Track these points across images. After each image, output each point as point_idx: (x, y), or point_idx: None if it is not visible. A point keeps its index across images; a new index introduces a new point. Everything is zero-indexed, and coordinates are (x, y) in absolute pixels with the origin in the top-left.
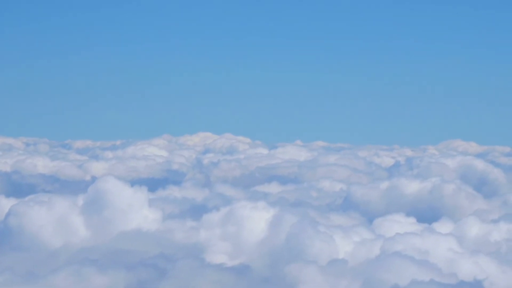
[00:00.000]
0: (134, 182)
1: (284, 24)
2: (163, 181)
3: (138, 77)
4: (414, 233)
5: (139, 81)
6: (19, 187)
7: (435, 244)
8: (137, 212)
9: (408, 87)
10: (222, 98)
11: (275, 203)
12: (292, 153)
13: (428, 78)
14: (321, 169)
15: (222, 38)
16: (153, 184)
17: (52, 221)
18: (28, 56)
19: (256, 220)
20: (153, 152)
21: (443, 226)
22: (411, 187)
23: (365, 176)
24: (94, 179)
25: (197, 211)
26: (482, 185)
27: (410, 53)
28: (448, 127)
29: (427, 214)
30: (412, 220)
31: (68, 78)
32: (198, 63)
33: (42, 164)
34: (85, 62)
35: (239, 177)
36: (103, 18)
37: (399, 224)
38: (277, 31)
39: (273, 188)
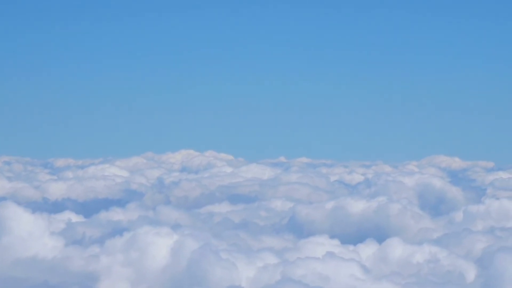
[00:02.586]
0: (90, 203)
1: (268, 40)
2: (116, 202)
3: (124, 94)
4: (316, 258)
5: (124, 99)
6: None
7: (336, 270)
8: (36, 240)
9: (393, 102)
10: (207, 115)
11: (219, 224)
12: (256, 171)
13: (412, 94)
14: (282, 187)
15: (208, 55)
16: (105, 204)
17: None
18: (15, 72)
19: (158, 246)
20: (113, 172)
21: (367, 248)
22: (357, 206)
23: (325, 195)
24: (45, 200)
25: (114, 235)
26: (439, 203)
27: (395, 69)
28: (434, 142)
29: (368, 234)
30: (336, 242)
31: (52, 95)
32: (184, 80)
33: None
34: (70, 79)
35: (198, 196)
36: (82, 34)
37: (322, 246)
38: (263, 47)
39: (223, 208)
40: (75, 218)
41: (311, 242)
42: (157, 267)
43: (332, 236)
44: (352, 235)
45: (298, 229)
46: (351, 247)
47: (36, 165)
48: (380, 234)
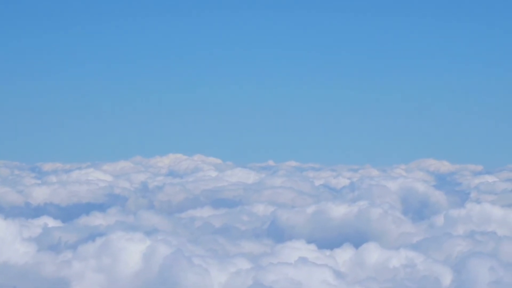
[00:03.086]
0: (72, 207)
1: (258, 44)
2: (98, 207)
3: (114, 98)
4: (288, 263)
5: (115, 103)
6: None
7: (309, 275)
8: (8, 245)
9: (383, 106)
10: (198, 119)
11: (199, 228)
12: (240, 175)
13: (402, 98)
14: (267, 192)
15: (199, 59)
16: (87, 209)
17: None
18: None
19: (130, 252)
20: (97, 177)
21: (344, 252)
22: (338, 211)
23: (309, 199)
24: (27, 204)
25: (89, 241)
26: (422, 207)
27: (385, 73)
28: (423, 146)
29: (349, 239)
30: (312, 247)
31: (42, 99)
32: (175, 84)
33: None
34: (60, 83)
35: (182, 201)
36: (71, 38)
37: (298, 251)
38: (253, 51)
39: (205, 213)
40: (52, 223)
41: (288, 247)
42: (129, 273)
43: (312, 241)
44: (333, 239)
45: (279, 234)
46: (328, 252)
47: (24, 169)
48: (360, 239)
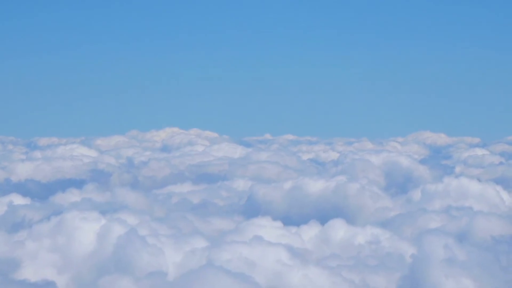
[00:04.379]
0: (54, 184)
1: (256, 18)
2: (80, 183)
3: (113, 72)
4: (243, 242)
5: (113, 77)
6: None
7: (263, 255)
8: None
9: (379, 79)
10: (194, 93)
11: (176, 204)
12: (227, 150)
13: (400, 70)
14: (252, 166)
15: (194, 33)
16: (69, 185)
17: None
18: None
19: (84, 231)
20: (82, 152)
21: (310, 229)
22: (315, 186)
23: (294, 173)
24: (7, 181)
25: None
26: (406, 182)
27: (381, 45)
28: (422, 118)
29: (325, 214)
30: (278, 224)
31: (40, 75)
32: (173, 57)
33: None
34: (56, 58)
35: (167, 176)
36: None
37: (264, 229)
38: (249, 25)
39: (185, 188)
40: (20, 200)
41: (253, 224)
42: (82, 253)
43: (287, 217)
44: (308, 215)
45: (255, 210)
46: (294, 229)
47: (19, 144)
48: (336, 215)
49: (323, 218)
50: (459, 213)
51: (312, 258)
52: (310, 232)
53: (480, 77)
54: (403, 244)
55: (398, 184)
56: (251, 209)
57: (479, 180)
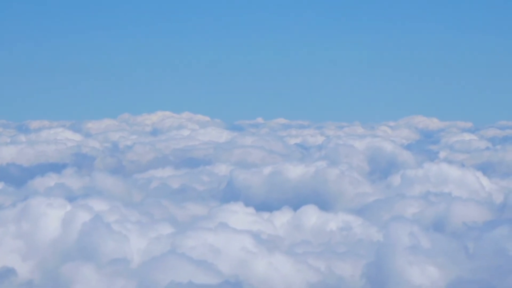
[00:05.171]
0: (36, 168)
1: (248, 1)
2: (62, 167)
3: (104, 56)
4: (208, 228)
5: (103, 60)
6: None
7: (228, 242)
8: None
9: (373, 63)
10: (186, 76)
11: (155, 189)
12: (213, 134)
13: (390, 54)
14: (236, 151)
15: (188, 17)
16: (50, 170)
17: None
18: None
19: (49, 218)
20: (66, 136)
21: (283, 216)
22: (294, 172)
23: (279, 158)
24: None
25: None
26: (390, 167)
27: (373, 29)
28: (415, 102)
29: (304, 200)
30: (251, 210)
31: (32, 58)
32: (165, 42)
33: None
34: (51, 41)
35: (151, 161)
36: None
37: (235, 215)
38: (243, 9)
39: (166, 173)
40: None
41: (225, 210)
42: (46, 240)
43: (266, 203)
44: (288, 201)
45: (235, 195)
46: (266, 215)
47: (10, 127)
48: (315, 200)
49: (302, 204)
50: (437, 199)
51: (284, 244)
52: (282, 219)
53: (474, 62)
54: (375, 231)
55: (382, 169)
56: (230, 194)
57: (463, 165)
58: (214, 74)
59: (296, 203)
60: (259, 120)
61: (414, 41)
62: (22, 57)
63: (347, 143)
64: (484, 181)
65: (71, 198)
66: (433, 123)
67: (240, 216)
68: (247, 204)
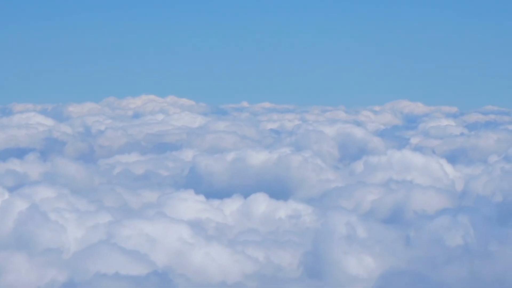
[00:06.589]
0: (4, 153)
1: None
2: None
3: (88, 38)
4: (145, 217)
5: (92, 43)
6: None
7: (164, 232)
8: None
9: (360, 47)
10: (172, 60)
11: (118, 175)
12: (187, 119)
13: (376, 38)
14: (209, 136)
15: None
16: (18, 154)
17: None
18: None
19: None
20: (38, 121)
21: (233, 203)
22: (257, 158)
23: (252, 143)
24: None
25: None
26: (360, 153)
27: (359, 13)
28: (401, 87)
29: (265, 187)
30: (201, 198)
31: (19, 40)
32: (149, 24)
33: None
34: (37, 24)
35: (123, 146)
36: None
37: (185, 202)
38: None
39: (132, 158)
40: None
41: (174, 198)
42: None
43: (226, 190)
44: (248, 188)
45: (197, 181)
46: (216, 203)
47: None
48: (276, 187)
49: (261, 191)
50: (397, 187)
51: (231, 233)
52: (232, 206)
53: (461, 46)
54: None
55: (351, 156)
56: (192, 180)
57: (433, 152)
58: (202, 58)
59: (255, 190)
60: (244, 104)
61: (404, 26)
62: (9, 40)
63: (317, 129)
64: (448, 168)
65: (20, 185)
66: (418, 108)
67: (189, 204)
68: (207, 191)
